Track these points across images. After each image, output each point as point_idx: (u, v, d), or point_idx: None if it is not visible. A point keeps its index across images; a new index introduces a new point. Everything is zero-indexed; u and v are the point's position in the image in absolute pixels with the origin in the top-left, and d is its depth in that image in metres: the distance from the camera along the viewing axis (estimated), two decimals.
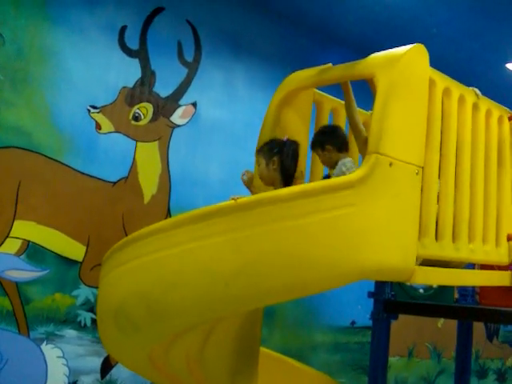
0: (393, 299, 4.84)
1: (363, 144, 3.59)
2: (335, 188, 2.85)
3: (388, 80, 3.11)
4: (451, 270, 3.78)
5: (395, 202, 3.03)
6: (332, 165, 3.59)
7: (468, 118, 3.63)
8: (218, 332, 3.47)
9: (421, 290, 4.97)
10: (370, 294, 4.85)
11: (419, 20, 6.20)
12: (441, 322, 7.97)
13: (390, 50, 3.26)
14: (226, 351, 3.62)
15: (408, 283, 4.67)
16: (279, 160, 3.50)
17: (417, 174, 3.14)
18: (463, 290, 4.97)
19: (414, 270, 3.12)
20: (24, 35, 4.83)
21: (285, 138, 3.60)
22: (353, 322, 7.00)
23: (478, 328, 7.74)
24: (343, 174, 3.37)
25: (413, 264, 3.11)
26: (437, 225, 3.39)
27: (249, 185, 3.74)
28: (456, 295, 4.99)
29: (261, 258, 2.74)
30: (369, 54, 3.40)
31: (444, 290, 4.85)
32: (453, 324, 5.69)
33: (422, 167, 3.19)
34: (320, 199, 2.80)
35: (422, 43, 3.28)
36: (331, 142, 3.60)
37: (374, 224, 2.92)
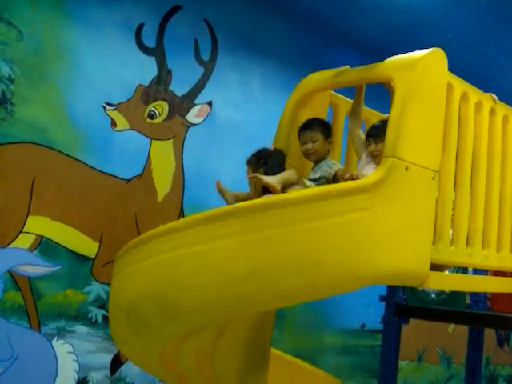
0: (404, 303, 4.84)
1: (361, 148, 3.62)
2: (350, 191, 2.84)
3: (406, 84, 3.10)
4: (464, 275, 3.77)
5: (410, 207, 3.02)
6: (318, 156, 3.59)
7: (485, 123, 3.61)
8: (229, 332, 3.48)
9: (433, 295, 4.97)
10: (382, 298, 4.85)
11: (436, 24, 6.17)
12: (451, 327, 7.94)
13: (409, 54, 3.24)
14: (237, 351, 3.62)
15: (420, 288, 4.66)
16: (264, 171, 3.50)
17: (432, 178, 3.12)
18: (475, 295, 4.97)
19: (428, 275, 3.11)
20: (42, 31, 4.84)
21: (271, 148, 3.61)
22: (363, 325, 6.99)
23: (489, 334, 7.70)
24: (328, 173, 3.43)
25: (427, 269, 3.10)
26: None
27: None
28: (468, 301, 4.98)
29: (274, 260, 2.73)
30: (384, 57, 3.38)
31: (456, 295, 4.84)
32: (463, 329, 5.68)
33: (438, 172, 3.17)
34: (335, 202, 2.79)
35: (439, 47, 3.26)
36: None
37: (388, 228, 2.90)
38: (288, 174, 3.41)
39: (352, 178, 3.10)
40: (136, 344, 3.30)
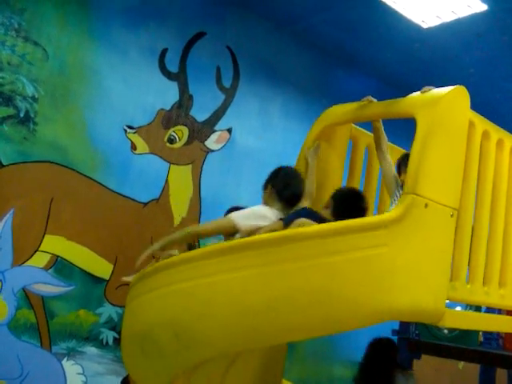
0: (417, 338, 4.80)
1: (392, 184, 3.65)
2: (369, 227, 2.83)
3: (428, 121, 3.10)
4: (480, 314, 3.74)
5: (428, 244, 3.01)
6: None
7: (505, 162, 3.60)
8: (241, 362, 3.45)
9: (445, 331, 4.93)
10: (395, 332, 4.81)
11: (457, 59, 6.19)
12: (462, 363, 7.84)
13: (431, 91, 3.26)
14: (248, 381, 3.60)
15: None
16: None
17: (451, 216, 3.11)
18: (488, 333, 4.93)
19: (444, 313, 3.09)
20: (67, 53, 4.91)
21: None
22: None
23: (501, 371, 7.59)
24: None
25: (443, 307, 3.08)
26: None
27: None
28: (480, 338, 4.94)
29: (291, 293, 2.72)
30: (405, 90, 3.39)
31: (469, 332, 4.80)
32: (474, 366, 5.60)
33: (457, 210, 3.16)
34: (353, 237, 2.78)
35: (459, 82, 3.27)
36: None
37: (406, 265, 2.89)
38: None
39: None
40: (147, 369, 3.29)
